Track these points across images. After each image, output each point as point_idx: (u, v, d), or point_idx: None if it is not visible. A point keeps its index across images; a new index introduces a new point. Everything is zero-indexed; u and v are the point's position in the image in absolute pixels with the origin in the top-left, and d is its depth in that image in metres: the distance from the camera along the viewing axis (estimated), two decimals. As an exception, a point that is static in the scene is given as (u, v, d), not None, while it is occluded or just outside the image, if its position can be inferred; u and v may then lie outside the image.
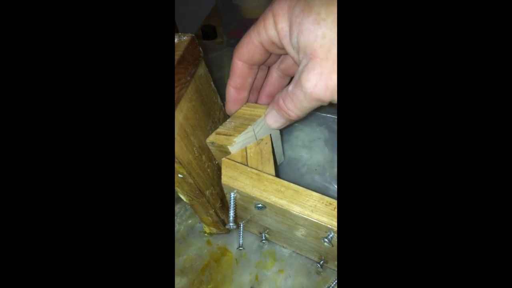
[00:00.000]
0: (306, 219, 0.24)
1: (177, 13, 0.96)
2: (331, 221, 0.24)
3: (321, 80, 0.18)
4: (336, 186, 0.37)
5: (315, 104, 0.21)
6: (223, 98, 0.32)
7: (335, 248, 0.26)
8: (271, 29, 0.21)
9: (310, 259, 0.32)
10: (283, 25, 0.20)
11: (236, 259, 0.33)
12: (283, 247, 0.33)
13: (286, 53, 0.23)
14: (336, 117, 0.42)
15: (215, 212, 0.32)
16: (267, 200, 0.25)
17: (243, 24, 0.60)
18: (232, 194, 0.26)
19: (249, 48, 0.24)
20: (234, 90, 0.28)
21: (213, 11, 0.78)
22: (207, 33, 0.67)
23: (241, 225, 0.32)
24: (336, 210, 0.24)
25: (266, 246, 0.33)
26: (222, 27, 0.64)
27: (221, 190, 0.33)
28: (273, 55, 0.26)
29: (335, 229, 0.24)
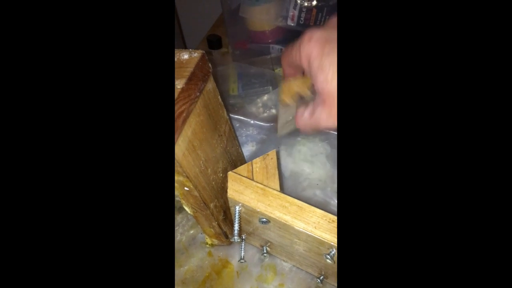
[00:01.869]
0: (309, 235, 0.25)
1: (183, 21, 0.97)
2: (333, 238, 0.24)
3: (330, 118, 0.25)
4: (336, 202, 0.38)
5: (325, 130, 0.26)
6: (228, 110, 0.33)
7: (335, 264, 0.27)
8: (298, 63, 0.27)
9: (310, 274, 0.32)
10: (305, 66, 0.26)
11: (237, 272, 0.33)
12: (284, 261, 0.34)
13: None
14: (338, 132, 0.43)
15: (218, 224, 0.32)
16: (272, 215, 0.25)
17: (249, 36, 0.61)
18: (237, 207, 0.27)
19: (290, 68, 0.30)
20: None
21: (219, 20, 0.80)
22: (212, 42, 0.68)
23: (243, 237, 0.32)
24: (338, 227, 0.25)
25: (267, 259, 0.34)
26: (228, 38, 0.65)
27: (225, 202, 0.33)
28: None
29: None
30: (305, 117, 0.27)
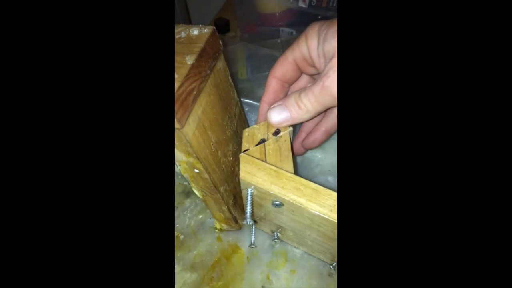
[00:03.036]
0: (324, 218, 0.24)
1: (190, 5, 0.95)
2: (351, 223, 0.23)
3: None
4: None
5: (327, 101, 0.24)
6: (238, 94, 0.32)
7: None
8: (303, 45, 0.25)
9: (322, 260, 0.32)
10: (313, 40, 0.25)
11: (247, 257, 0.32)
12: (295, 247, 0.33)
13: (315, 72, 0.26)
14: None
15: (228, 209, 0.31)
16: (286, 198, 0.24)
17: (258, 19, 0.59)
18: (249, 190, 0.26)
19: (283, 66, 0.28)
20: (267, 105, 0.31)
21: (227, 4, 0.78)
22: (220, 26, 0.66)
23: (254, 223, 0.32)
24: (356, 211, 0.23)
25: (278, 245, 0.33)
26: (236, 21, 0.63)
27: (235, 186, 0.32)
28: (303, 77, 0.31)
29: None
30: (307, 86, 0.25)
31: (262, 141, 0.28)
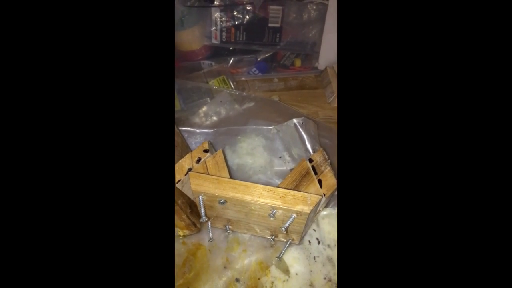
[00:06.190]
0: (255, 204, 0.35)
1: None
2: (272, 202, 0.34)
3: None
4: (276, 180, 0.48)
5: None
6: (176, 124, 0.41)
7: (279, 222, 0.37)
8: None
9: (265, 237, 0.42)
10: None
11: (209, 250, 0.41)
12: (244, 233, 0.43)
13: None
14: (269, 127, 0.54)
15: (187, 216, 0.40)
16: (227, 196, 0.35)
17: (180, 56, 0.69)
18: (200, 197, 0.35)
19: None
20: None
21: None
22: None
23: (209, 222, 0.41)
24: (275, 193, 0.35)
25: (231, 235, 0.43)
26: None
27: (189, 198, 0.41)
28: None
29: (276, 206, 0.34)
30: None
31: (189, 169, 0.37)
